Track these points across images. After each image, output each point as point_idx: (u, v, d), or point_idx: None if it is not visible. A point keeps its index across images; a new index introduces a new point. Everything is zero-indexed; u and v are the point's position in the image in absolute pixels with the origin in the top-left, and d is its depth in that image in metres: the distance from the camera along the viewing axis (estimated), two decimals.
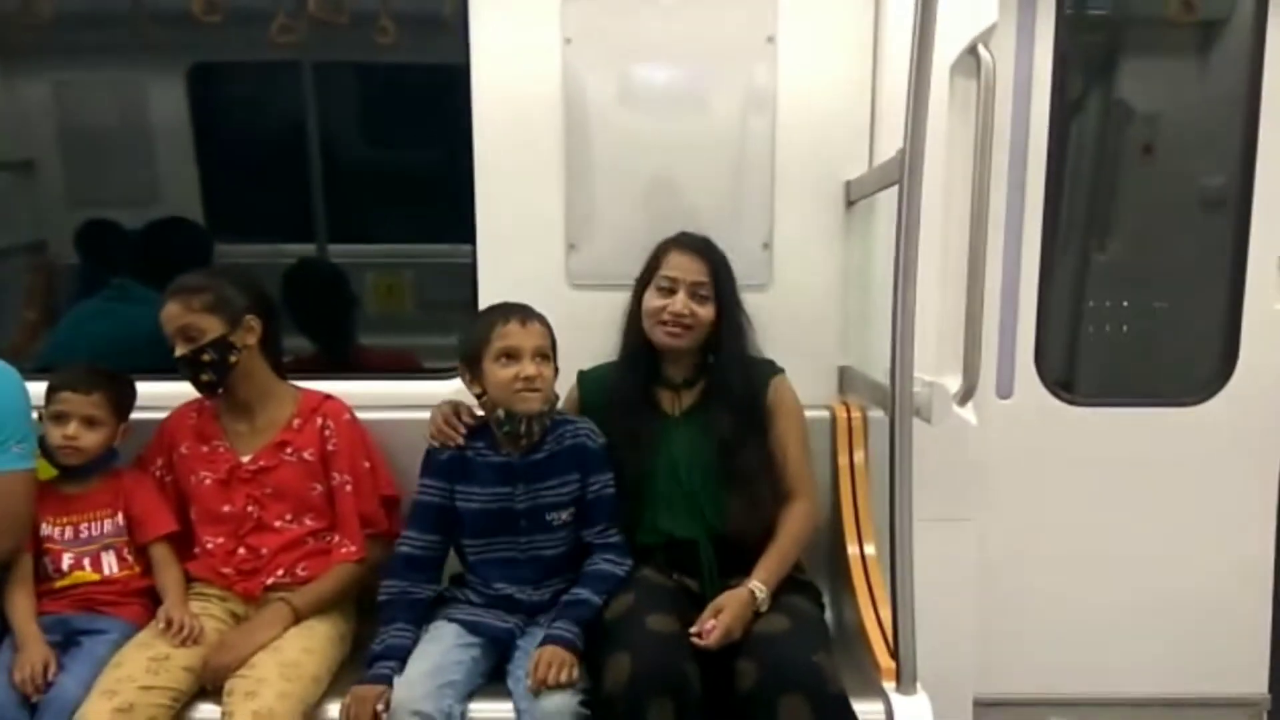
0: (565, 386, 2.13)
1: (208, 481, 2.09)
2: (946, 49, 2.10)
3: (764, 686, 1.71)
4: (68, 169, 2.76)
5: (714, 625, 1.81)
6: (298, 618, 1.98)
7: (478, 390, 2.00)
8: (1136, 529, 2.57)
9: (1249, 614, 2.61)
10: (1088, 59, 2.61)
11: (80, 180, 2.76)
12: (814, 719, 1.67)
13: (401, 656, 1.86)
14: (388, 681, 1.80)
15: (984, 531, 2.44)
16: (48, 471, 2.05)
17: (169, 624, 1.91)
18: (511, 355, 1.93)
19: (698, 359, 2.13)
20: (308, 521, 2.10)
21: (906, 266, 1.71)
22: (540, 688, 1.75)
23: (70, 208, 2.76)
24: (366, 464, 2.14)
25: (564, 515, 2.01)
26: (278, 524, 2.08)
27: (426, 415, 2.06)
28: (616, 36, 2.30)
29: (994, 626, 2.49)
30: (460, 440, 2.00)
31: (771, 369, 2.14)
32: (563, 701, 1.75)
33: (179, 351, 2.01)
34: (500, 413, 1.95)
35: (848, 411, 2.33)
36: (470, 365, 1.99)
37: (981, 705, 2.50)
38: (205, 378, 2.03)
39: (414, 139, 2.72)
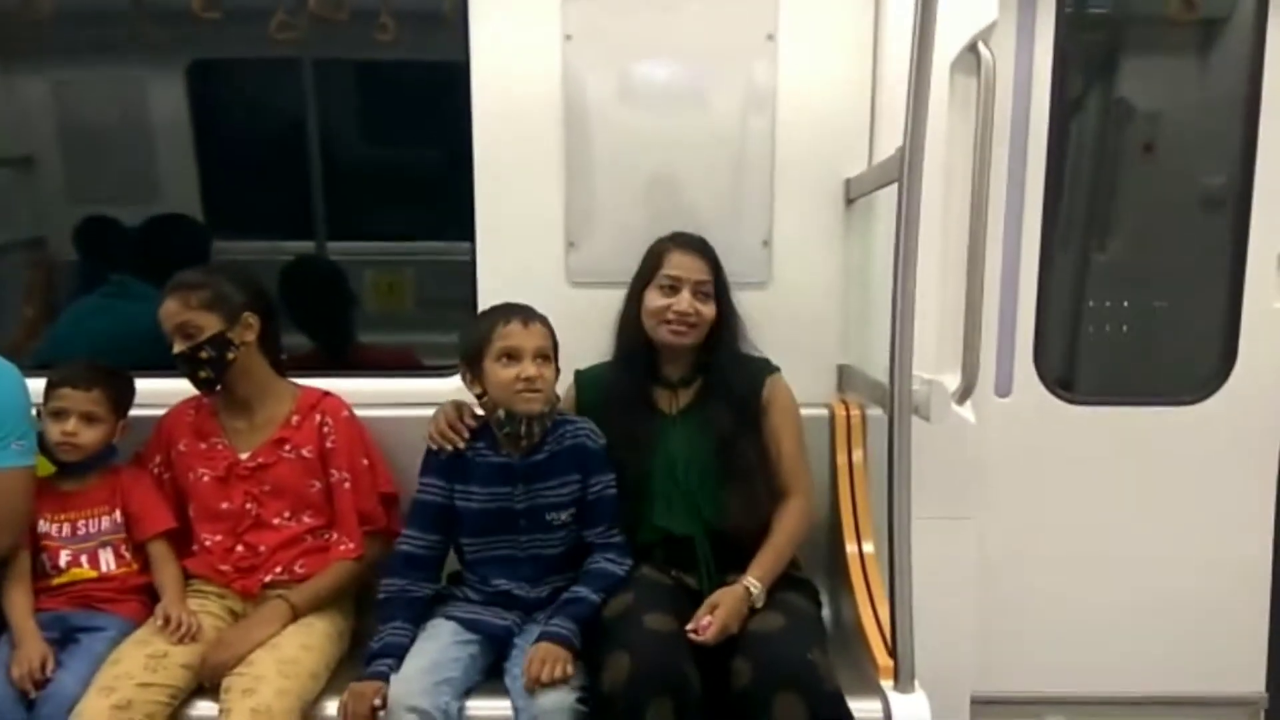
0: (565, 385, 2.13)
1: (206, 478, 2.09)
2: (946, 47, 2.09)
3: (759, 684, 1.71)
4: (67, 165, 2.77)
5: (710, 621, 1.81)
6: (296, 615, 1.98)
7: (478, 390, 1.99)
8: (1135, 528, 2.57)
9: (1247, 613, 2.61)
10: (1088, 57, 2.60)
11: (79, 176, 2.77)
12: (809, 716, 1.67)
13: (399, 654, 1.86)
14: (385, 678, 1.80)
15: (982, 530, 2.44)
16: (46, 468, 2.05)
17: (167, 621, 1.91)
18: (513, 356, 1.93)
19: (694, 357, 2.12)
20: (306, 519, 2.10)
21: (906, 264, 1.72)
22: (534, 685, 1.75)
23: (69, 204, 2.76)
24: (365, 461, 2.14)
25: (564, 515, 2.01)
26: (276, 521, 2.08)
27: (426, 413, 2.06)
28: (616, 34, 2.30)
29: (992, 625, 2.48)
30: (461, 445, 2.00)
31: (767, 367, 2.14)
32: (560, 699, 1.74)
33: (177, 348, 2.01)
34: (501, 413, 1.94)
35: (847, 410, 2.33)
36: (471, 365, 1.99)
37: (979, 703, 2.49)
38: (203, 374, 2.03)
39: (413, 136, 2.72)
